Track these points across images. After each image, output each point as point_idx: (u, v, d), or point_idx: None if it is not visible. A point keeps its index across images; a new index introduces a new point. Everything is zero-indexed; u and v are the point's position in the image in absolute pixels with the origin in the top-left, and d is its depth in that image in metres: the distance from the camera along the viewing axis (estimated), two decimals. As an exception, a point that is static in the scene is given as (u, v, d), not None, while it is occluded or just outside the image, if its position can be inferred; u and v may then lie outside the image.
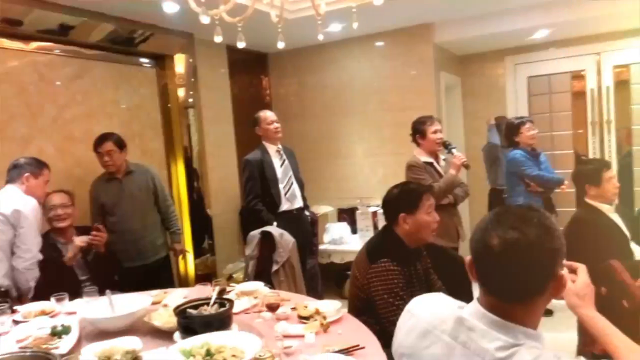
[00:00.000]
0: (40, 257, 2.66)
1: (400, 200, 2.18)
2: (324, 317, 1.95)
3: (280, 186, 3.70)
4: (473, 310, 1.03)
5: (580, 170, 2.99)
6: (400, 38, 4.84)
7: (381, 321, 2.04)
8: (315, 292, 3.81)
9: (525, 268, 0.93)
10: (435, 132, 3.37)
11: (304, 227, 3.86)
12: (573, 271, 1.22)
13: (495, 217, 0.99)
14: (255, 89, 5.48)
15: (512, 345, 0.93)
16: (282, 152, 3.82)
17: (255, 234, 3.40)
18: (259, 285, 2.44)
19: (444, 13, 4.45)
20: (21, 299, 2.60)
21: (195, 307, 1.91)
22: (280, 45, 3.00)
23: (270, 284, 3.10)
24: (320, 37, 3.01)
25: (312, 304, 2.10)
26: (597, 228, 2.77)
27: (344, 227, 4.57)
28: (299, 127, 5.32)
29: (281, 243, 3.30)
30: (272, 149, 3.78)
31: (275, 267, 3.26)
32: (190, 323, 1.79)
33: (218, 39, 2.75)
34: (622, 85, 4.99)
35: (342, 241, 4.42)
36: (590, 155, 5.03)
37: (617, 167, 4.97)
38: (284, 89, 5.51)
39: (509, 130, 3.96)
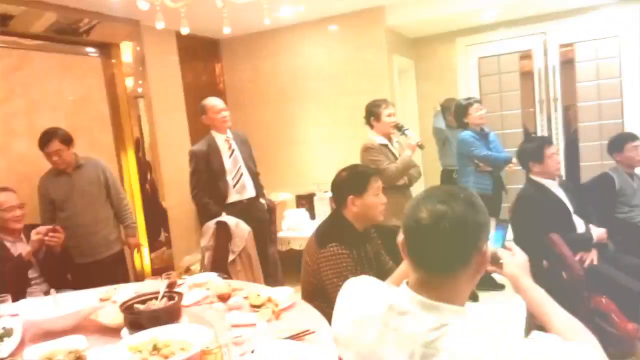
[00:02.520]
0: None
1: (348, 183, 2.20)
2: (276, 305, 1.96)
3: (229, 178, 3.61)
4: (402, 294, 1.05)
5: (524, 148, 3.09)
6: (353, 21, 4.84)
7: (333, 305, 2.05)
8: (275, 279, 3.82)
9: (451, 239, 0.98)
10: (389, 115, 3.41)
11: (258, 215, 3.77)
12: (510, 251, 1.27)
13: (425, 194, 1.05)
14: (208, 76, 5.38)
15: (442, 326, 0.96)
16: (231, 141, 3.69)
17: (211, 224, 3.37)
18: (211, 276, 2.42)
19: (393, -5, 4.47)
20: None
21: (144, 302, 1.88)
22: (227, 30, 2.95)
23: (228, 274, 3.09)
24: (267, 22, 2.99)
25: (264, 292, 2.11)
26: (541, 203, 2.88)
27: (303, 213, 4.58)
28: (255, 114, 5.27)
29: (237, 232, 3.28)
30: (220, 138, 3.66)
31: (231, 257, 3.25)
32: (138, 318, 1.76)
33: (160, 25, 2.67)
34: (567, 64, 5.15)
35: (301, 227, 4.43)
36: (539, 133, 5.20)
37: (563, 143, 5.16)
38: (238, 75, 5.43)
39: (458, 111, 4.03)
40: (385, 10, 4.74)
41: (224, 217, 3.38)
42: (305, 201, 4.74)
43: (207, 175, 3.55)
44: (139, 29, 4.23)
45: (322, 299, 2.09)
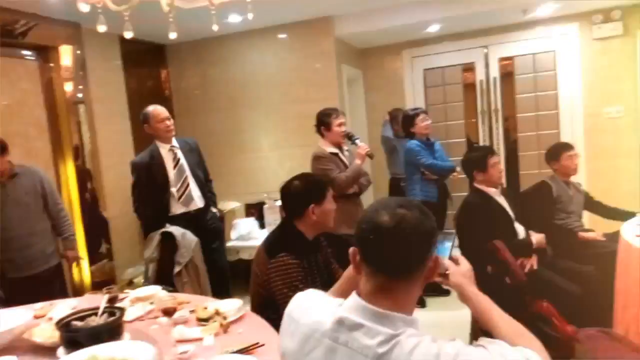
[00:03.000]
0: None
1: (308, 191, 2.19)
2: (224, 317, 1.90)
3: (173, 190, 3.43)
4: (353, 305, 1.03)
5: (468, 158, 3.19)
6: (302, 31, 4.87)
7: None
8: (226, 291, 3.71)
9: (412, 241, 1.01)
10: (339, 125, 3.42)
11: (208, 225, 3.64)
12: (456, 262, 1.30)
13: (382, 202, 1.08)
14: (154, 82, 5.24)
15: (392, 337, 0.96)
16: (176, 150, 3.51)
17: (155, 234, 3.25)
18: (156, 290, 2.33)
19: (342, 6, 4.53)
20: None
21: (82, 318, 1.78)
22: (172, 35, 2.86)
23: (173, 286, 2.99)
24: (215, 28, 2.92)
25: (212, 305, 2.04)
26: (485, 211, 2.97)
27: (252, 222, 4.51)
28: (203, 121, 5.17)
29: (183, 243, 3.18)
30: (164, 148, 3.48)
31: (177, 269, 3.14)
32: (75, 336, 1.66)
33: (102, 28, 2.57)
34: (507, 76, 5.39)
35: (251, 237, 4.36)
36: (481, 143, 5.40)
37: (504, 153, 5.38)
38: (185, 81, 5.32)
39: (405, 121, 4.12)
40: (334, 21, 4.79)
41: (169, 228, 3.27)
42: (255, 210, 4.68)
43: (149, 188, 3.40)
44: (79, 32, 4.06)
45: (272, 310, 2.05)
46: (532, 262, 2.93)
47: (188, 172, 3.52)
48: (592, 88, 5.01)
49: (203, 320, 1.93)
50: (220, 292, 3.27)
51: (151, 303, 2.16)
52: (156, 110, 3.49)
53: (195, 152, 3.67)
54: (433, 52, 5.53)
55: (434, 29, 5.08)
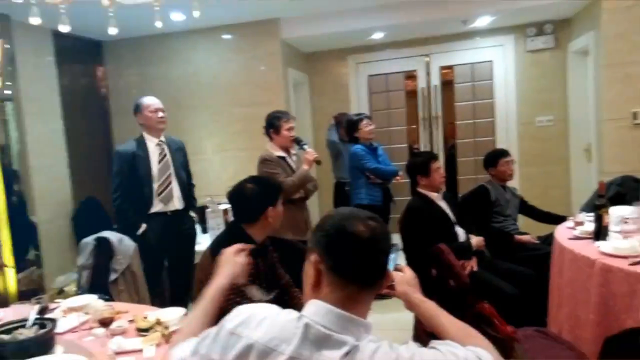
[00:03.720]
0: None
1: (266, 194, 2.16)
2: (166, 327, 1.82)
3: (155, 185, 3.29)
4: (314, 311, 1.00)
5: (412, 162, 3.25)
6: (248, 32, 4.81)
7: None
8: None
9: (384, 253, 1.06)
10: (289, 129, 3.39)
11: (184, 230, 3.50)
12: (401, 271, 1.33)
13: (349, 212, 1.09)
14: (89, 80, 5.00)
15: (355, 348, 0.95)
16: (164, 145, 3.39)
17: (89, 240, 3.07)
18: (91, 299, 2.20)
19: (289, 9, 4.52)
20: None
21: (9, 331, 1.65)
22: (112, 31, 2.75)
23: (109, 295, 2.84)
24: (159, 25, 2.82)
25: (152, 314, 1.95)
26: (428, 215, 3.04)
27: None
28: (142, 122, 4.97)
29: (120, 249, 3.02)
30: (151, 141, 3.35)
31: (113, 276, 2.98)
32: (1, 351, 1.53)
33: (35, 20, 2.41)
34: (447, 85, 5.57)
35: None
36: (422, 148, 5.54)
37: (443, 158, 5.55)
38: (124, 80, 5.11)
39: (349, 126, 4.16)
40: (281, 23, 4.77)
41: (105, 233, 3.10)
42: (197, 214, 4.53)
43: (131, 180, 3.25)
44: (8, 25, 3.80)
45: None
46: (473, 264, 3.03)
47: (172, 170, 3.39)
48: (525, 97, 5.27)
49: (143, 331, 1.84)
50: (181, 302, 3.08)
51: (86, 313, 2.04)
52: (150, 99, 3.39)
53: (182, 152, 3.57)
54: (377, 58, 5.63)
55: (378, 36, 5.17)
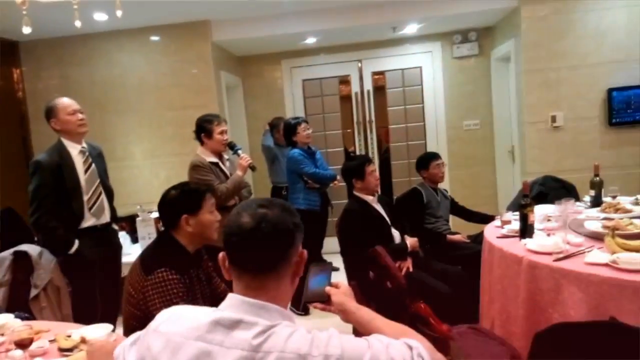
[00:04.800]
0: None
1: (181, 201, 2.05)
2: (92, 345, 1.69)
3: (85, 198, 2.94)
4: (230, 303, 1.04)
5: (347, 166, 3.27)
6: (177, 33, 4.67)
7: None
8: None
9: (273, 237, 1.05)
10: (221, 132, 3.29)
11: (113, 243, 3.23)
12: (336, 287, 1.32)
13: (244, 204, 1.12)
14: (5, 83, 4.64)
15: (269, 328, 0.98)
16: (87, 152, 3.02)
17: (6, 255, 2.83)
18: (7, 318, 2.02)
19: (219, 11, 4.43)
20: None
21: None
22: (26, 30, 2.55)
23: (29, 313, 2.62)
24: (78, 24, 2.66)
25: (76, 332, 1.82)
26: (364, 218, 3.07)
27: (123, 236, 4.15)
28: (64, 127, 4.67)
29: (40, 263, 2.81)
30: (74, 149, 2.95)
31: (34, 292, 2.76)
32: None
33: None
34: (380, 90, 5.69)
35: (122, 253, 4.01)
36: (357, 152, 5.62)
37: (378, 161, 5.65)
38: (43, 83, 4.79)
39: (287, 130, 4.13)
40: (211, 26, 4.67)
41: (24, 246, 2.87)
42: (126, 223, 4.31)
43: (56, 194, 2.85)
44: None
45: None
46: (408, 265, 3.09)
47: (99, 180, 3.05)
48: (452, 102, 5.48)
49: (66, 351, 1.71)
50: (110, 318, 2.86)
51: (2, 334, 1.86)
52: (65, 101, 2.97)
53: (102, 159, 3.20)
54: (311, 63, 5.64)
55: (311, 41, 5.18)
